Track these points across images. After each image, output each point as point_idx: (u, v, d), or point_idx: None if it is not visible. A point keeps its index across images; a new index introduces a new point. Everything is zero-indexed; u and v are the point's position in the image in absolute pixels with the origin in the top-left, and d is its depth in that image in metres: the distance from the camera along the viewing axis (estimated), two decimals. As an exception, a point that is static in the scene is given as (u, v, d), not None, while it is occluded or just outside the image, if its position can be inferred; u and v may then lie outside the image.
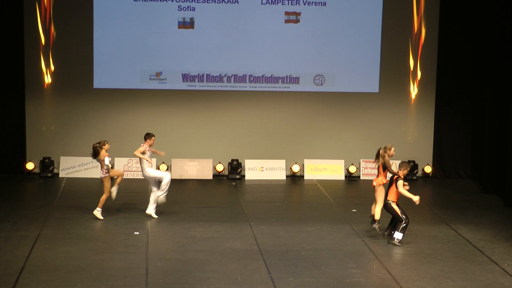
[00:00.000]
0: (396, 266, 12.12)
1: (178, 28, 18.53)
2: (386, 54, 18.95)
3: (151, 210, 14.50)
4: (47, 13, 18.25)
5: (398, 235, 13.18)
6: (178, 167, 18.73)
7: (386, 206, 13.30)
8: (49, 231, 13.61)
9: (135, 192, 17.04)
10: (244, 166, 18.94)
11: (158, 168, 18.21)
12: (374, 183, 13.38)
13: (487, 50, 18.00)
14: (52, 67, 18.45)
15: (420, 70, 19.09)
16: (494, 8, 17.58)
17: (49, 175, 18.41)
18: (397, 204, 13.23)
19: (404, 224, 13.14)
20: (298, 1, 18.65)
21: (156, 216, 14.39)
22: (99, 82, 18.63)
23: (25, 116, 18.53)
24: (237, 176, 18.78)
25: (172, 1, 18.44)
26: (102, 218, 14.51)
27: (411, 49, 19.01)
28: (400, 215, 13.14)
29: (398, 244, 13.14)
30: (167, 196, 14.68)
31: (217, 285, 10.99)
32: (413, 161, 19.12)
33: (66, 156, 18.60)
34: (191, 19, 18.56)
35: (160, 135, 17.50)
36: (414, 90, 19.18)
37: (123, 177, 15.06)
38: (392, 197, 13.23)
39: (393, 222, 13.40)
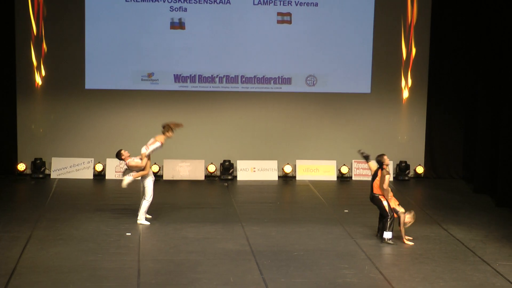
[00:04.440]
0: (388, 266, 12.13)
1: (170, 28, 18.52)
2: (378, 55, 18.97)
3: (142, 219, 14.38)
4: (39, 14, 18.20)
5: (387, 234, 13.22)
6: (170, 168, 18.71)
7: (373, 199, 13.36)
8: (40, 232, 13.58)
9: (127, 193, 16.97)
10: (236, 167, 18.93)
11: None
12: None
13: (479, 52, 18.02)
14: (44, 68, 18.41)
15: (412, 70, 19.12)
16: (486, 10, 17.62)
17: (41, 176, 18.35)
18: (385, 198, 13.28)
19: (390, 221, 13.19)
20: (290, 2, 18.65)
21: (148, 223, 14.33)
22: (90, 82, 18.59)
23: (16, 117, 18.47)
24: (229, 177, 18.77)
25: (164, 1, 18.42)
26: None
27: (403, 50, 19.03)
28: (387, 209, 13.18)
29: (391, 243, 13.16)
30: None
31: (209, 286, 10.98)
32: (405, 162, 19.15)
33: (57, 157, 18.56)
34: (183, 19, 18.54)
35: (152, 136, 17.42)
36: (406, 91, 19.20)
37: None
38: (379, 191, 13.29)
39: (381, 222, 13.42)
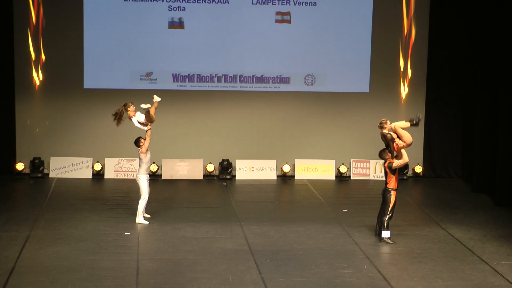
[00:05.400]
0: (387, 265, 12.14)
1: (169, 28, 18.51)
2: (377, 54, 18.98)
3: (140, 219, 14.36)
4: (37, 13, 18.19)
5: (385, 234, 13.21)
6: (168, 167, 18.71)
7: (385, 193, 13.28)
8: (39, 232, 13.57)
9: (125, 192, 17.01)
10: (235, 166, 18.94)
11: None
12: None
13: (477, 50, 18.04)
14: (42, 68, 18.39)
15: (411, 70, 19.13)
16: (484, 8, 17.63)
17: (39, 175, 18.35)
18: (396, 195, 13.23)
19: (387, 221, 13.18)
20: (288, 1, 18.65)
21: (147, 222, 14.32)
22: (89, 82, 18.59)
23: (15, 117, 18.47)
24: (228, 176, 18.77)
25: (163, 1, 18.42)
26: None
27: (401, 49, 19.04)
28: (390, 208, 13.15)
29: (389, 242, 13.16)
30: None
31: (208, 285, 10.98)
32: (404, 161, 19.15)
33: (56, 157, 18.55)
34: (182, 19, 18.54)
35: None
36: (404, 90, 19.22)
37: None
38: (392, 185, 13.23)
39: (379, 220, 13.37)
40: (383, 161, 13.38)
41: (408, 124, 13.47)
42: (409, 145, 13.27)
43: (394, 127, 13.29)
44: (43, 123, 18.69)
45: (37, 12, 18.19)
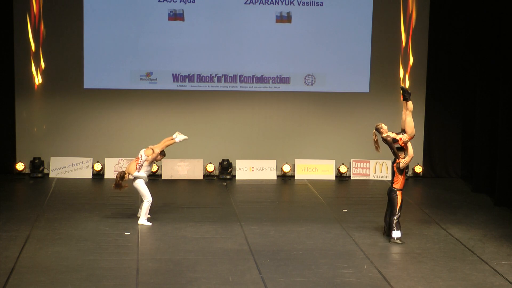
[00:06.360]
0: (387, 265, 12.13)
1: (169, 28, 18.50)
2: (377, 54, 18.98)
3: (143, 220, 14.35)
4: (37, 13, 18.19)
5: (396, 234, 13.18)
6: (168, 167, 18.71)
7: (390, 193, 13.29)
8: (39, 232, 13.57)
9: (125, 192, 16.94)
10: (235, 166, 18.94)
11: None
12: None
13: (477, 50, 18.05)
14: (42, 68, 18.40)
15: (410, 69, 19.13)
16: (484, 8, 17.63)
17: (39, 175, 18.35)
18: (402, 195, 13.23)
19: (397, 220, 13.18)
20: (289, 1, 18.65)
21: (150, 223, 14.29)
22: (89, 82, 18.59)
23: (15, 117, 18.47)
24: (228, 176, 18.77)
25: (163, 1, 18.42)
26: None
27: (401, 50, 19.04)
28: (398, 208, 13.16)
29: (399, 242, 13.14)
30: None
31: (208, 285, 10.98)
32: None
33: (56, 157, 18.55)
34: (181, 18, 18.53)
35: (150, 135, 17.51)
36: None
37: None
38: (398, 185, 13.24)
39: (387, 220, 13.37)
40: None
41: (407, 106, 13.56)
42: (412, 137, 13.38)
43: (404, 116, 13.38)
44: (43, 123, 18.68)
45: (38, 12, 18.19)
